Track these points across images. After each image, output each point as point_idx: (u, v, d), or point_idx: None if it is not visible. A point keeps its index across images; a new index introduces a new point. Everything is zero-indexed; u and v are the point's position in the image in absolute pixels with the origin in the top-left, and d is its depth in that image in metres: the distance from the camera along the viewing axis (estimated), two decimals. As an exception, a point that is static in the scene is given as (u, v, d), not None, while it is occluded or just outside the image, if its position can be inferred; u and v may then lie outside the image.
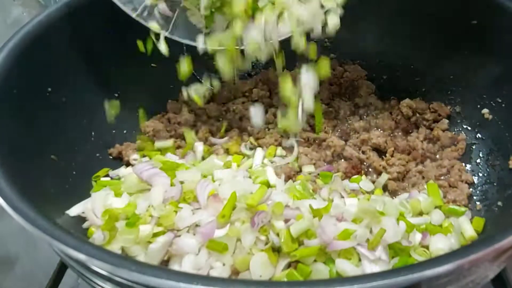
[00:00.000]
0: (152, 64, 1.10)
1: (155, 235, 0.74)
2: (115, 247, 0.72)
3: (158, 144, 0.98)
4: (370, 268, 0.70)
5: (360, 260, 0.71)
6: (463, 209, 0.82)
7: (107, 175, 0.91)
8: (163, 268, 0.51)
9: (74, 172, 0.86)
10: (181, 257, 0.72)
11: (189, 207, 0.76)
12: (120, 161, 0.96)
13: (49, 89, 0.85)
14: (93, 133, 0.95)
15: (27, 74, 0.81)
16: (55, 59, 0.87)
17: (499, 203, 0.82)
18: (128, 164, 0.95)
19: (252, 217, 0.72)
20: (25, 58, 0.80)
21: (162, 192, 0.77)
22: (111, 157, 0.97)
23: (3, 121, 0.73)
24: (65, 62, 0.90)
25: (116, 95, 1.01)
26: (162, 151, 0.95)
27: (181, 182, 0.80)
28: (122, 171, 0.91)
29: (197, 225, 0.74)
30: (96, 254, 0.52)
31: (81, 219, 0.78)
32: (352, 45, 1.16)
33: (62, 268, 0.86)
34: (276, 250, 0.73)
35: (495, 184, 0.87)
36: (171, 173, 0.81)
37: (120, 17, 1.00)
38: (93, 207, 0.77)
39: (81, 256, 0.53)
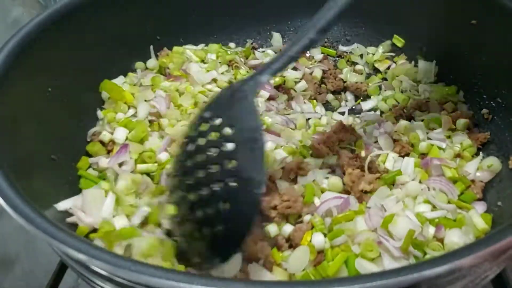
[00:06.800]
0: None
1: None
2: None
3: None
4: (391, 264, 0.71)
5: (380, 255, 0.72)
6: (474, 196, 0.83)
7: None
8: (163, 268, 0.51)
9: (74, 173, 0.86)
10: None
11: None
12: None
13: (49, 90, 0.85)
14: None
15: (27, 74, 0.81)
16: (55, 60, 0.87)
17: (499, 203, 0.82)
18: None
19: None
20: (25, 58, 0.80)
21: None
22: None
23: (3, 121, 0.73)
24: (65, 62, 0.90)
25: (116, 95, 1.01)
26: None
27: None
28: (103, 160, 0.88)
29: None
30: (96, 255, 0.52)
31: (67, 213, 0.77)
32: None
33: (62, 268, 0.86)
34: None
35: (494, 184, 0.87)
36: None
37: (120, 18, 1.00)
38: (83, 206, 0.76)
39: (81, 256, 0.53)
